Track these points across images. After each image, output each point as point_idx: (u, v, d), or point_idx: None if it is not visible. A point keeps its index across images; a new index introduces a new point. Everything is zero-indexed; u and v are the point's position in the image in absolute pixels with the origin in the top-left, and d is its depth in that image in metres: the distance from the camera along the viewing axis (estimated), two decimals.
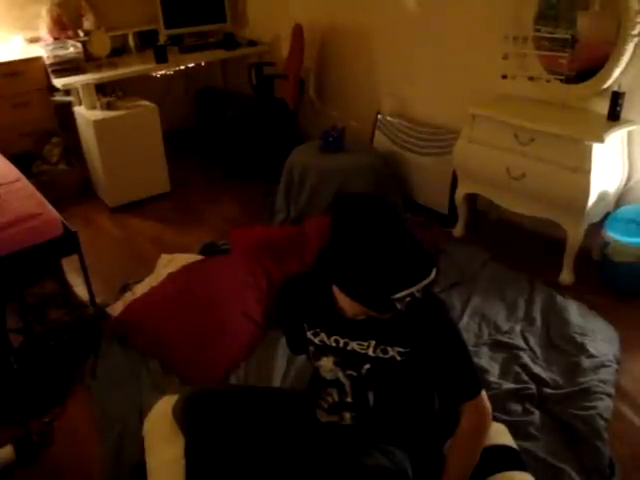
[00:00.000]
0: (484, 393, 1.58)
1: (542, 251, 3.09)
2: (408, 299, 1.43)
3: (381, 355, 1.55)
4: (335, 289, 1.53)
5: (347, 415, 1.64)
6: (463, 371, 1.56)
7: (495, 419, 1.94)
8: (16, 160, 3.32)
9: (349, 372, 1.59)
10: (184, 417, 1.71)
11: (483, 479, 1.61)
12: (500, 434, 1.75)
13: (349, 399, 1.62)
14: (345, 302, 1.52)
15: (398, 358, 1.54)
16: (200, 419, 1.69)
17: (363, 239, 1.41)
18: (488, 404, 1.58)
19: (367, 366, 1.57)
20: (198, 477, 1.67)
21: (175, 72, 4.53)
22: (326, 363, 1.62)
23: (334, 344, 1.59)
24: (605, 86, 2.69)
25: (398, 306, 1.43)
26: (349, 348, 1.58)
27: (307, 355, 1.73)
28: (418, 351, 1.54)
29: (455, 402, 1.57)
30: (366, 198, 1.48)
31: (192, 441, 1.70)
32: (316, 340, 1.62)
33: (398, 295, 1.40)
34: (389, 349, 1.54)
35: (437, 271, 1.47)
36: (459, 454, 1.56)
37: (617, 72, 2.63)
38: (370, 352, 1.55)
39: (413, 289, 1.41)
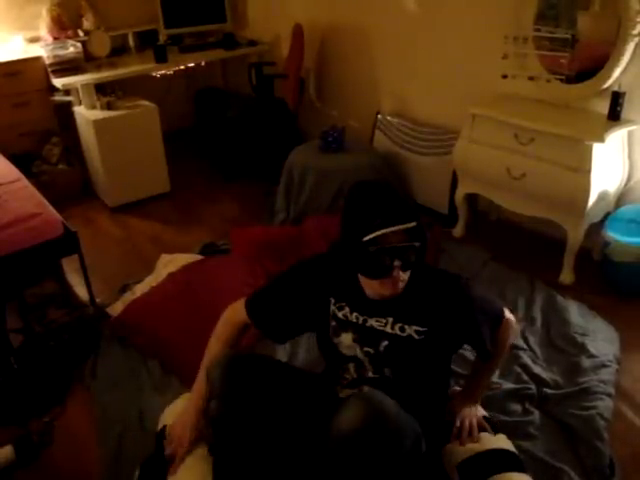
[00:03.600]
0: (505, 311, 1.71)
1: (542, 251, 3.09)
2: (398, 262, 1.45)
3: (399, 333, 1.59)
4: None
5: (365, 389, 1.65)
6: (487, 316, 1.65)
7: (495, 419, 1.95)
8: (16, 160, 3.32)
9: (366, 349, 1.62)
10: (224, 376, 1.61)
11: None
12: (499, 439, 1.75)
13: (370, 374, 1.64)
14: (363, 282, 1.57)
15: (416, 337, 1.58)
16: (238, 381, 1.60)
17: (352, 195, 1.53)
18: (509, 315, 1.72)
19: (385, 343, 1.60)
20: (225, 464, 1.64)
21: (175, 72, 4.53)
22: (345, 339, 1.64)
23: (355, 320, 1.62)
24: (605, 86, 2.69)
25: (386, 262, 1.44)
26: (368, 325, 1.61)
27: (319, 338, 1.73)
28: (437, 331, 1.59)
29: (493, 336, 1.67)
30: (371, 182, 1.59)
31: (223, 410, 1.60)
32: (340, 314, 1.64)
33: (369, 236, 1.42)
34: (406, 327, 1.59)
35: (420, 227, 1.47)
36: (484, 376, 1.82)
37: (617, 72, 2.63)
38: (388, 329, 1.60)
39: (382, 231, 1.42)
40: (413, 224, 1.45)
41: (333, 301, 1.66)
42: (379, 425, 1.38)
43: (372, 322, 1.62)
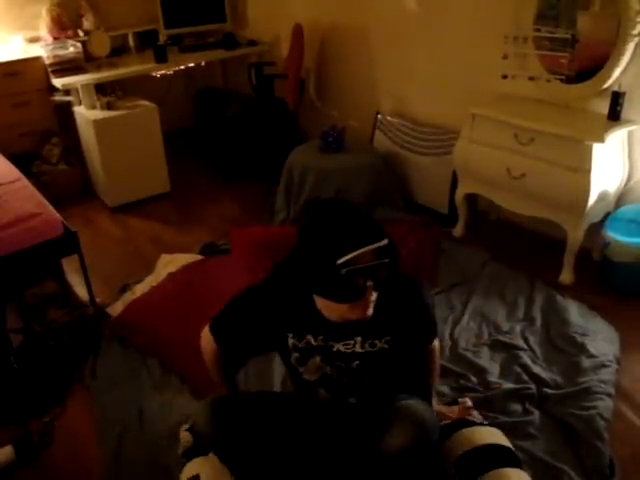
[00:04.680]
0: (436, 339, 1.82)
1: (542, 251, 3.08)
2: (370, 283, 1.40)
3: (369, 349, 1.57)
4: (315, 297, 1.52)
5: (350, 399, 1.66)
6: (430, 328, 1.76)
7: (495, 419, 1.96)
8: (16, 160, 3.31)
9: (338, 363, 1.60)
10: (213, 424, 1.60)
11: (478, 476, 1.63)
12: (494, 434, 1.78)
13: (345, 381, 1.63)
14: (324, 307, 1.51)
15: (387, 347, 1.58)
16: (228, 427, 1.59)
17: (311, 219, 1.48)
18: (436, 342, 1.83)
19: (357, 362, 1.59)
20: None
21: (175, 72, 4.52)
22: (312, 364, 1.61)
23: (321, 343, 1.59)
24: (605, 86, 2.69)
25: (359, 283, 1.39)
26: (334, 349, 1.58)
27: (287, 364, 1.70)
28: (405, 334, 1.61)
29: (423, 345, 1.79)
30: (330, 201, 1.57)
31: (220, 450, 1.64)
32: (301, 344, 1.60)
33: (343, 259, 1.36)
34: (377, 342, 1.57)
35: (391, 244, 1.43)
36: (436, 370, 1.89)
37: (617, 72, 2.63)
38: (358, 349, 1.57)
39: (356, 252, 1.36)
40: (385, 242, 1.40)
41: (291, 335, 1.60)
42: (426, 440, 1.51)
43: (339, 346, 1.58)
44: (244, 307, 1.66)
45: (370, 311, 1.46)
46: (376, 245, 1.39)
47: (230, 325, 1.70)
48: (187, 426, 1.91)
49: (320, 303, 1.51)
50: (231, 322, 1.70)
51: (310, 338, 1.59)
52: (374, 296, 1.45)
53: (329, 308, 1.49)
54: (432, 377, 1.88)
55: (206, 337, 1.76)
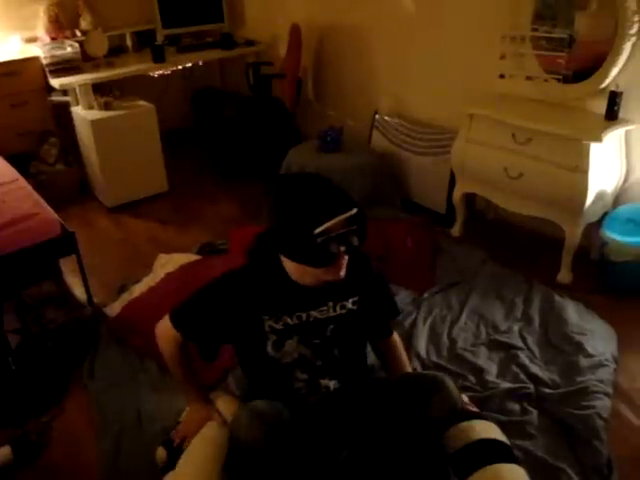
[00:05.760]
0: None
1: (540, 251, 3.09)
2: (343, 248, 1.50)
3: (341, 311, 1.70)
4: (287, 265, 1.59)
5: (326, 382, 1.71)
6: (392, 303, 1.92)
7: (493, 419, 1.96)
8: (14, 160, 3.31)
9: (313, 341, 1.68)
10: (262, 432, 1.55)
11: (473, 471, 1.63)
12: (489, 429, 1.79)
13: (319, 363, 1.70)
14: (299, 273, 1.59)
15: (354, 308, 1.72)
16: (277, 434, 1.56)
17: (283, 193, 1.56)
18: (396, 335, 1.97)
19: (331, 327, 1.69)
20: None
21: (172, 72, 4.52)
22: (289, 346, 1.67)
23: (297, 321, 1.66)
24: (603, 86, 2.69)
25: (333, 250, 1.49)
26: (311, 319, 1.67)
27: (249, 361, 1.74)
28: (365, 294, 1.74)
29: (387, 325, 1.91)
30: (299, 175, 1.66)
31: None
32: (278, 326, 1.66)
33: (320, 229, 1.46)
34: (346, 303, 1.70)
35: (361, 213, 1.53)
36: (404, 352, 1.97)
37: (615, 71, 2.63)
38: (331, 313, 1.68)
39: (331, 222, 1.47)
40: (354, 211, 1.51)
41: (267, 318, 1.65)
42: (458, 406, 1.70)
43: (315, 314, 1.67)
44: (217, 295, 1.69)
45: (343, 272, 1.57)
46: (348, 214, 1.50)
47: (201, 315, 1.70)
48: (174, 430, 1.90)
49: (295, 270, 1.59)
50: (202, 312, 1.70)
51: (287, 319, 1.66)
52: (346, 259, 1.56)
53: (304, 273, 1.57)
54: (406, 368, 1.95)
55: (166, 332, 1.74)
